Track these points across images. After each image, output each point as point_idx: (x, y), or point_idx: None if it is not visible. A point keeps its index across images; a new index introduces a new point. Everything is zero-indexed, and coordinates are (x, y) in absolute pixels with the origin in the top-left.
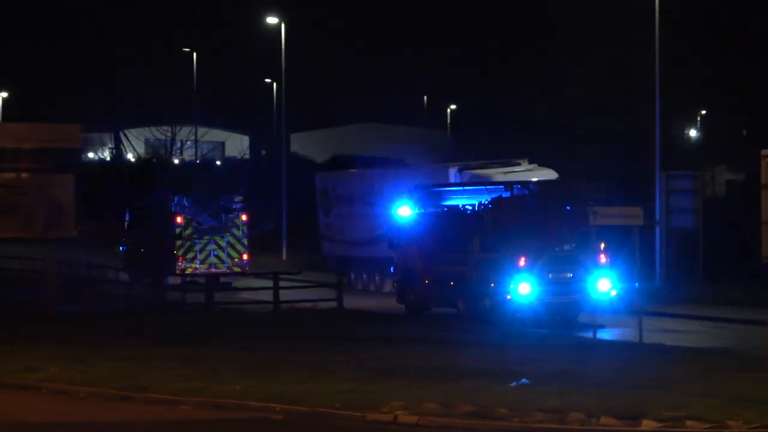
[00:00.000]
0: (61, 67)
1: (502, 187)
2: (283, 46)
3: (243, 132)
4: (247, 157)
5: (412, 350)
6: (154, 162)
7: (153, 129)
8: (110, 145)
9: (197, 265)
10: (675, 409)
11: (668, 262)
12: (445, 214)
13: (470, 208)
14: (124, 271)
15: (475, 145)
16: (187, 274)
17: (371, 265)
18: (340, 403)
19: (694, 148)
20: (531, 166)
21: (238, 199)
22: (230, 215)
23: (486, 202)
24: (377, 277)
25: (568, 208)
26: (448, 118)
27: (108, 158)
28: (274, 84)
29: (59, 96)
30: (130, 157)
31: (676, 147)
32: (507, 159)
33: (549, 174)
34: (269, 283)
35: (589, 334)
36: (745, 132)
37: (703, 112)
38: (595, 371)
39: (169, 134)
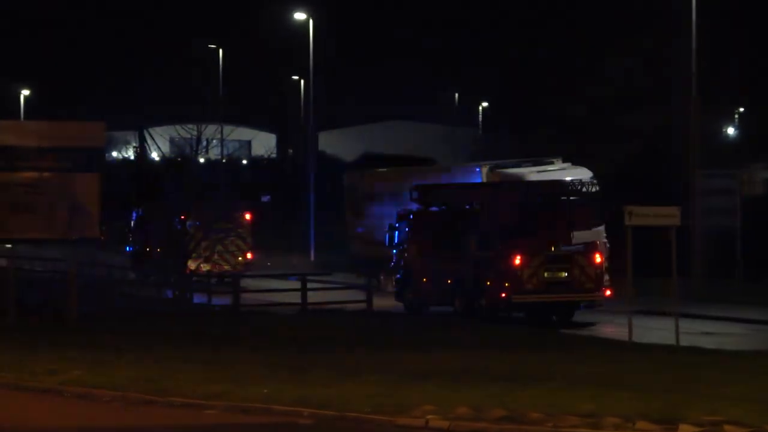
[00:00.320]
0: (84, 65)
1: (503, 185)
2: (311, 43)
3: (270, 130)
4: (274, 155)
5: (443, 353)
6: (178, 161)
7: (178, 127)
8: (134, 144)
9: (202, 265)
10: (713, 414)
11: (705, 263)
12: (443, 212)
13: (467, 206)
14: (131, 271)
15: (507, 143)
16: (195, 274)
17: None
18: (369, 407)
19: (732, 147)
20: (564, 165)
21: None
22: (235, 215)
23: (483, 201)
24: None
25: (565, 206)
26: (480, 115)
27: (132, 157)
28: (302, 81)
29: (82, 93)
30: (155, 155)
31: (714, 145)
32: (540, 158)
33: (583, 173)
34: (296, 285)
35: (624, 336)
36: None
37: (741, 109)
38: (631, 374)
39: (195, 132)
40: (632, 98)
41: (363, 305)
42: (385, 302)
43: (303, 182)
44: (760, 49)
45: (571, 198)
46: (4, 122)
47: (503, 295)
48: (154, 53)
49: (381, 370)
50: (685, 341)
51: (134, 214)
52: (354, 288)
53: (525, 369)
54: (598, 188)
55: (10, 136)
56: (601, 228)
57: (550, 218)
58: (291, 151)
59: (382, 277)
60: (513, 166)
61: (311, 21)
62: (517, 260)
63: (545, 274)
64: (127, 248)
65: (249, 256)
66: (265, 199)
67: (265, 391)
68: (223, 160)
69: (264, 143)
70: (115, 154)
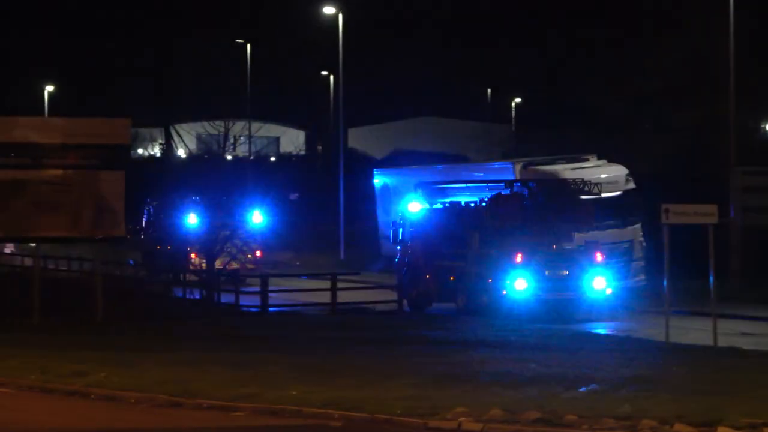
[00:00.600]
0: (109, 60)
1: (503, 184)
2: (340, 37)
3: (299, 127)
4: (303, 152)
5: (476, 354)
6: (205, 158)
7: (205, 124)
8: (160, 141)
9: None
10: (752, 416)
11: (744, 262)
12: (447, 210)
13: (470, 204)
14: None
15: (541, 140)
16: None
17: None
18: (401, 409)
19: None
20: (600, 162)
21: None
22: (244, 212)
23: (486, 199)
24: None
25: (566, 206)
26: (513, 111)
27: (158, 154)
28: (331, 77)
29: (108, 90)
30: (181, 153)
31: (754, 142)
32: (574, 155)
33: (619, 170)
34: (326, 284)
35: (661, 337)
36: None
37: None
38: (668, 376)
39: (222, 129)
40: (671, 94)
41: (394, 305)
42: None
43: (332, 180)
44: None
45: (574, 196)
46: (27, 119)
47: (504, 292)
48: (181, 48)
49: (412, 372)
50: (723, 342)
51: (145, 212)
52: (384, 288)
53: (559, 371)
54: (634, 185)
55: (34, 133)
56: (638, 226)
57: (552, 217)
58: (320, 147)
59: None
60: (547, 163)
61: (341, 15)
62: (519, 258)
63: (546, 272)
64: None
65: (258, 254)
66: (294, 197)
67: (295, 393)
68: (251, 158)
69: (293, 140)
70: (140, 151)
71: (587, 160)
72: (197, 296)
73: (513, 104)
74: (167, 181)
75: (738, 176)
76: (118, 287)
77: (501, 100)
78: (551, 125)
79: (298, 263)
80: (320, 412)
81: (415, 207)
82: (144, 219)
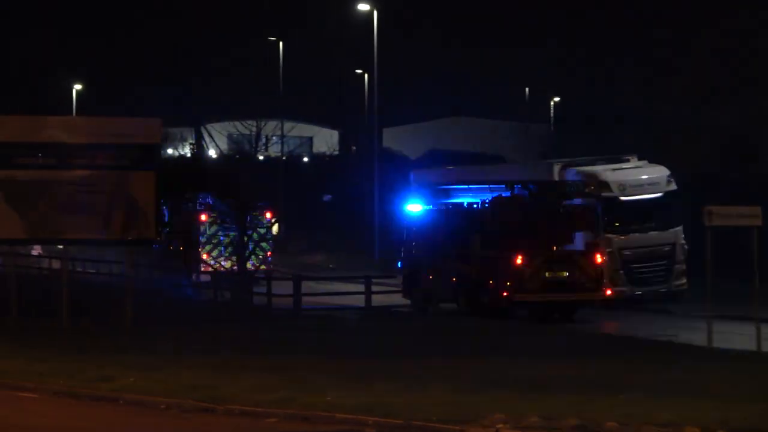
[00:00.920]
0: (140, 58)
1: (504, 185)
2: (375, 35)
3: (332, 126)
4: (336, 152)
5: (514, 360)
6: (237, 158)
7: (237, 123)
8: (191, 141)
9: (222, 263)
10: None
11: None
12: (449, 211)
13: (472, 206)
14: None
15: (580, 140)
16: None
17: None
18: (437, 415)
19: None
20: (641, 163)
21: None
22: (255, 213)
23: (486, 201)
24: None
25: (567, 207)
26: (551, 110)
27: (189, 154)
28: (366, 75)
29: (138, 88)
30: (212, 153)
31: None
32: (615, 155)
33: (660, 171)
34: (360, 287)
35: (703, 342)
36: None
37: None
38: (711, 381)
39: (254, 129)
40: (713, 93)
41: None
42: (449, 305)
43: (367, 180)
44: None
45: (574, 199)
46: (55, 118)
47: (505, 293)
48: (212, 47)
49: (447, 377)
50: (767, 348)
51: (165, 211)
52: None
53: (599, 376)
54: (675, 187)
55: (62, 133)
56: (679, 228)
57: (553, 219)
58: (354, 148)
59: None
60: (586, 164)
61: (375, 12)
62: (519, 260)
63: (546, 274)
64: (154, 246)
65: (269, 254)
66: (327, 198)
67: (328, 398)
68: (283, 158)
69: (326, 140)
70: (171, 151)
71: (628, 160)
72: (228, 298)
73: (552, 103)
74: (198, 181)
75: None
76: (148, 289)
77: (539, 99)
78: (591, 125)
79: (331, 266)
80: (354, 418)
81: (418, 208)
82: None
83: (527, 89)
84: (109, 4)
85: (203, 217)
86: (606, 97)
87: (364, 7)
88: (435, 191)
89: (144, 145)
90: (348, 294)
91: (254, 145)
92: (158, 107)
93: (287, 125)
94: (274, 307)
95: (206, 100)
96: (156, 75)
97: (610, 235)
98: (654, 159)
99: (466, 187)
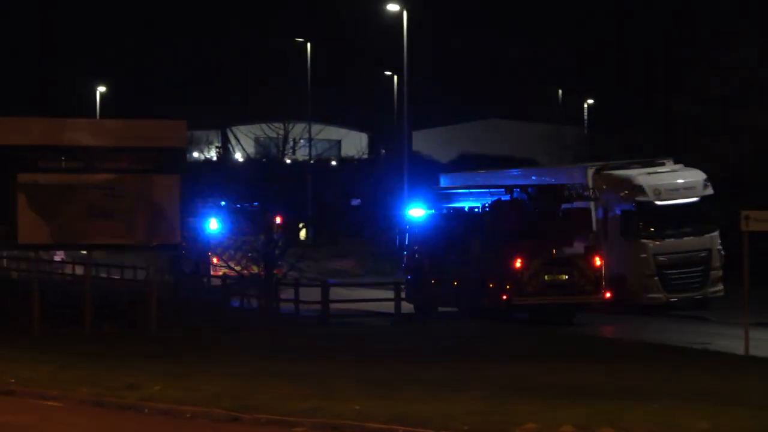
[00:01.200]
0: (164, 60)
1: (503, 189)
2: (405, 36)
3: (361, 129)
4: (365, 156)
5: (541, 365)
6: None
7: (264, 126)
8: (217, 144)
9: (233, 267)
10: None
11: None
12: (450, 215)
13: (471, 210)
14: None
15: (615, 143)
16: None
17: None
18: (468, 425)
19: None
20: (676, 167)
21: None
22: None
23: (486, 205)
24: None
25: (566, 211)
26: (585, 113)
27: (215, 158)
28: (395, 77)
29: (162, 90)
30: (238, 156)
31: None
32: (650, 159)
33: (696, 175)
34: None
35: (740, 350)
36: None
37: None
38: (748, 390)
39: (282, 132)
40: (749, 94)
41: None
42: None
43: (396, 184)
44: None
45: (572, 202)
46: (79, 121)
47: (504, 297)
48: (239, 48)
49: (478, 385)
50: None
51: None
52: None
53: (632, 384)
54: (712, 191)
55: (85, 136)
56: (716, 234)
57: (551, 222)
58: (383, 151)
59: None
60: (620, 168)
61: (405, 13)
62: (518, 263)
63: (546, 277)
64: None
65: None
66: (356, 202)
67: (357, 407)
68: (311, 161)
69: (355, 143)
70: (196, 154)
71: (663, 164)
72: (255, 306)
73: (585, 105)
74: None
75: None
76: (173, 296)
77: (573, 101)
78: (626, 127)
79: (361, 273)
80: (384, 427)
81: (419, 213)
82: None
83: (560, 91)
84: (135, 6)
85: (214, 221)
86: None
87: (393, 7)
88: (438, 195)
89: (169, 148)
90: (377, 300)
91: (281, 149)
92: (184, 109)
93: (315, 128)
94: (302, 314)
95: (233, 102)
96: (182, 77)
97: (644, 241)
98: (690, 162)
99: (468, 191)
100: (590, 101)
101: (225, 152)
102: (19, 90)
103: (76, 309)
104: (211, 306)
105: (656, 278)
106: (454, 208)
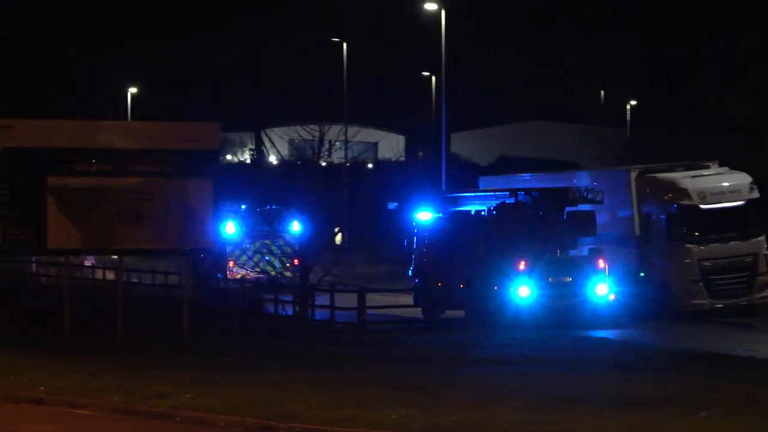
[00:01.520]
0: (197, 60)
1: (508, 193)
2: (443, 36)
3: (398, 131)
4: (402, 158)
5: (587, 375)
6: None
7: (298, 128)
8: (251, 146)
9: (249, 270)
10: None
11: None
12: (455, 219)
13: (477, 213)
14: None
15: (659, 145)
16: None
17: None
18: None
19: None
20: (722, 169)
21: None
22: (282, 220)
23: (490, 208)
24: None
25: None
26: (628, 115)
27: (248, 160)
28: (433, 78)
29: (195, 92)
30: (273, 159)
31: None
32: (694, 161)
33: (742, 178)
34: None
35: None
36: None
37: None
38: None
39: (317, 134)
40: None
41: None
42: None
43: (434, 187)
44: None
45: (576, 205)
46: (110, 123)
47: (507, 299)
48: (274, 48)
49: (519, 394)
50: None
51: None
52: None
53: (676, 393)
54: (758, 195)
55: (116, 138)
56: (762, 238)
57: (555, 224)
58: (421, 153)
59: None
60: (664, 170)
61: (443, 11)
62: (522, 265)
63: (550, 279)
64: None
65: (296, 262)
66: (392, 206)
67: (394, 416)
68: (347, 164)
69: (391, 145)
70: (229, 157)
71: (708, 167)
72: (290, 312)
73: (628, 107)
74: (258, 187)
75: None
76: (206, 302)
77: (615, 102)
78: (669, 129)
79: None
80: None
81: (426, 216)
82: None
83: (603, 92)
84: (168, 5)
85: (230, 224)
86: (686, 100)
87: (431, 6)
88: (445, 199)
89: (202, 151)
90: (412, 307)
91: (317, 151)
92: (216, 111)
93: (351, 130)
94: (338, 320)
95: (267, 103)
96: (214, 77)
97: (689, 245)
98: (735, 165)
99: (474, 195)
100: (633, 102)
101: (259, 155)
102: (49, 91)
103: (107, 315)
104: (244, 312)
105: (701, 284)
106: (460, 211)
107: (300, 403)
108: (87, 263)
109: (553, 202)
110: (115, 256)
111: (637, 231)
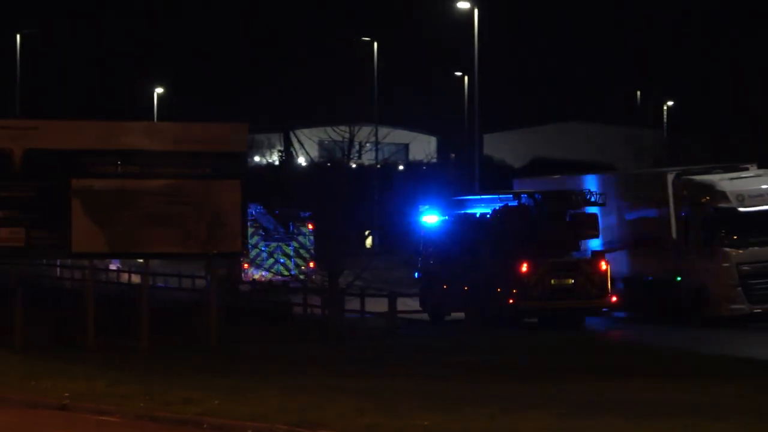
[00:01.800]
0: (225, 61)
1: (511, 195)
2: (476, 35)
3: (430, 132)
4: (434, 160)
5: (617, 381)
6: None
7: (328, 129)
8: (279, 148)
9: (264, 272)
10: None
11: None
12: (460, 221)
13: (481, 216)
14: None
15: (697, 147)
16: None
17: None
18: None
19: None
20: (761, 172)
21: None
22: (297, 223)
23: (494, 211)
24: None
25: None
26: (665, 115)
27: (277, 162)
28: (466, 78)
29: (222, 92)
30: (302, 160)
31: None
32: (733, 164)
33: None
34: None
35: None
36: None
37: None
38: None
39: (347, 135)
40: None
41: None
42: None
43: (467, 190)
44: None
45: (579, 207)
46: (135, 123)
47: (511, 301)
48: (302, 48)
49: (550, 400)
50: None
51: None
52: None
53: (709, 400)
54: None
55: (142, 139)
56: None
57: (558, 227)
58: (453, 155)
59: None
60: (702, 173)
61: (476, 11)
62: (525, 267)
63: (552, 281)
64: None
65: (311, 264)
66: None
67: (426, 423)
68: (378, 166)
69: (423, 147)
70: (258, 158)
71: (747, 169)
72: (319, 316)
73: (665, 108)
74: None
75: None
76: (233, 305)
77: (652, 103)
78: (708, 131)
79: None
80: None
81: (431, 219)
82: None
83: (639, 92)
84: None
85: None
86: (724, 101)
87: (464, 5)
88: (451, 202)
89: (230, 152)
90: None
91: (347, 153)
92: (244, 111)
93: (382, 131)
94: (368, 325)
95: (296, 104)
96: (241, 77)
97: (727, 249)
98: None
99: (479, 198)
100: (670, 103)
101: (288, 156)
102: (74, 92)
103: (133, 320)
104: (272, 316)
105: (739, 288)
106: (464, 214)
107: (328, 409)
108: (112, 267)
109: (556, 204)
110: (141, 260)
111: (674, 234)
